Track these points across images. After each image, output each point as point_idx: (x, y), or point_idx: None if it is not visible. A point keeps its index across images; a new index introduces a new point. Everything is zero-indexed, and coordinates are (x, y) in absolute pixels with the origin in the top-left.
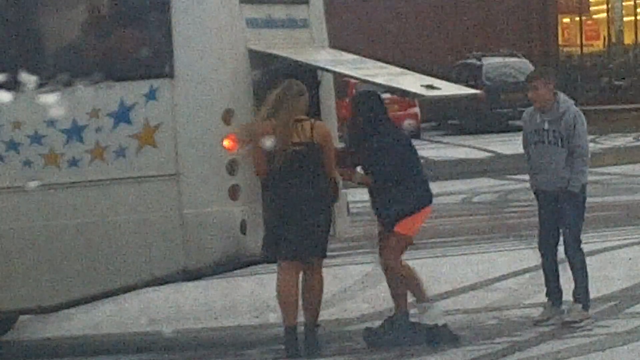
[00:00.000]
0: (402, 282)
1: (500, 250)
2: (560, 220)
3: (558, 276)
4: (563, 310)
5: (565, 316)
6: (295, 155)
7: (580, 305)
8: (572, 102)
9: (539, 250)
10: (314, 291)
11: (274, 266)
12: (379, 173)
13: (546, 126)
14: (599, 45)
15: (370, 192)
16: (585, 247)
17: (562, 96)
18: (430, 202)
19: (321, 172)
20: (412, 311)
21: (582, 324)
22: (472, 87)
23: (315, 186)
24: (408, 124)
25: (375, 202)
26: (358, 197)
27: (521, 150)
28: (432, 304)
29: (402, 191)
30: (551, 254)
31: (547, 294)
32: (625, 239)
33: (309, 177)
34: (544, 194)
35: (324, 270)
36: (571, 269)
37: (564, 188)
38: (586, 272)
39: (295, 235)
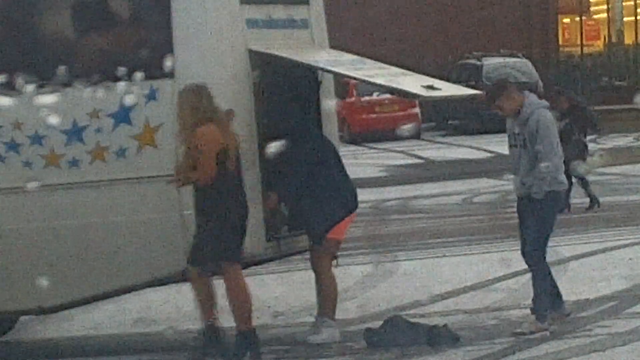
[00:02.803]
0: (321, 288)
1: (501, 250)
2: (523, 226)
3: (551, 277)
4: (567, 310)
5: (518, 327)
6: (236, 157)
7: (534, 317)
8: (541, 105)
9: (522, 256)
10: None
11: (274, 266)
12: (299, 180)
13: (516, 130)
14: (599, 45)
15: (293, 206)
16: (585, 247)
17: (529, 99)
18: (356, 206)
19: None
20: (412, 311)
21: (535, 335)
22: (472, 87)
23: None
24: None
25: (302, 217)
26: (358, 197)
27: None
28: (332, 325)
29: (326, 201)
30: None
31: (532, 306)
32: (625, 239)
33: (241, 179)
34: (518, 199)
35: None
36: (531, 277)
37: (529, 193)
38: (547, 284)
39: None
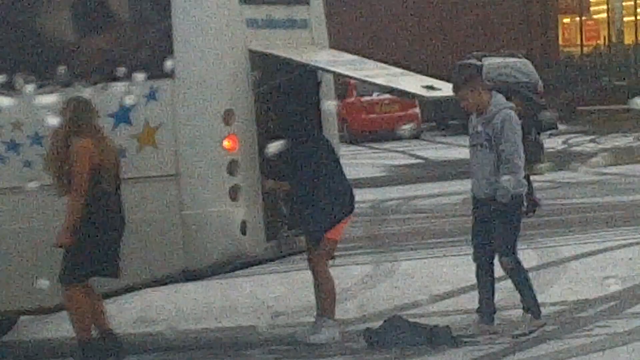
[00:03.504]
0: (319, 288)
1: None
2: (490, 232)
3: (492, 291)
4: (495, 326)
5: (515, 329)
6: (110, 170)
7: (529, 315)
8: (507, 105)
9: (473, 260)
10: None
11: (275, 266)
12: (299, 181)
13: (479, 128)
14: (599, 45)
15: (293, 206)
16: (585, 247)
17: (497, 98)
18: (354, 208)
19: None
20: (411, 311)
21: (534, 334)
22: None
23: (120, 202)
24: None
25: (300, 218)
26: (358, 197)
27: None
28: (332, 324)
29: (325, 202)
30: (485, 266)
31: (477, 309)
32: (625, 239)
33: (118, 192)
34: (476, 201)
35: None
36: (512, 282)
37: (492, 196)
38: (528, 282)
39: (114, 253)
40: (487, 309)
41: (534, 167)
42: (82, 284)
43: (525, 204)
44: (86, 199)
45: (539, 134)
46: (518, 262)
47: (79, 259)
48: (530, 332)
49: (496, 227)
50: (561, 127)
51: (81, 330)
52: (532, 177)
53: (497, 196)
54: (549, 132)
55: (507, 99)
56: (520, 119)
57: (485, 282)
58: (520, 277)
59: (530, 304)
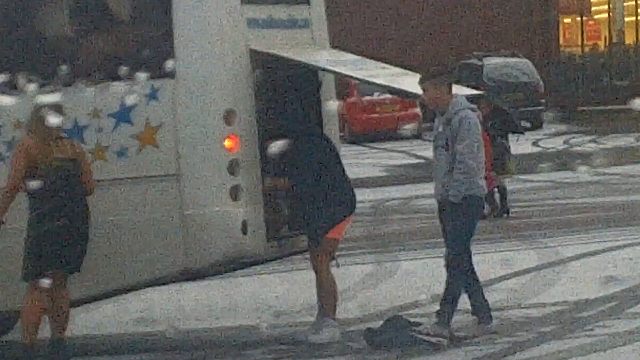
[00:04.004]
0: (320, 288)
1: (501, 251)
2: (444, 233)
3: (479, 290)
4: (492, 329)
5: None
6: (58, 169)
7: (476, 319)
8: (467, 106)
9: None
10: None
11: (275, 266)
12: (300, 180)
13: (440, 129)
14: (600, 45)
15: (294, 206)
16: (585, 247)
17: (457, 100)
18: (355, 208)
19: (82, 187)
20: (412, 311)
21: (441, 341)
22: (473, 87)
23: (81, 200)
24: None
25: (301, 218)
26: (359, 197)
27: (521, 150)
28: (333, 324)
29: (326, 202)
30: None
31: (472, 312)
32: (625, 239)
33: (75, 191)
34: (439, 203)
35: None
36: (447, 281)
37: (446, 197)
38: (458, 294)
39: (64, 248)
40: (481, 308)
41: (501, 171)
42: (47, 285)
43: (489, 207)
44: (32, 195)
45: (505, 138)
46: (464, 271)
47: (33, 254)
48: (438, 340)
49: (448, 229)
50: (561, 127)
51: (26, 331)
52: (509, 181)
53: (450, 196)
54: (517, 135)
55: (476, 103)
56: (487, 122)
57: (470, 283)
58: (457, 282)
59: (447, 310)
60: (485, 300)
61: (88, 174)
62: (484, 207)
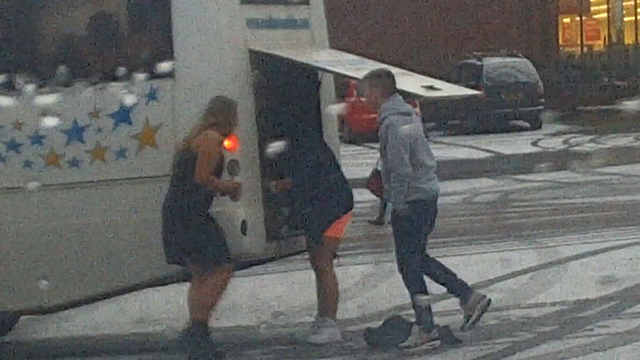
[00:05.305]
0: (322, 288)
1: (500, 250)
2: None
3: (451, 274)
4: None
5: (404, 340)
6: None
7: (417, 327)
8: (396, 111)
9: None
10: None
11: (275, 266)
12: (297, 180)
13: (379, 133)
14: (599, 45)
15: (293, 205)
16: (585, 247)
17: (386, 105)
18: (352, 206)
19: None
20: (411, 311)
21: (421, 347)
22: (473, 87)
23: None
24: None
25: (300, 218)
26: (359, 197)
27: (521, 150)
28: (333, 324)
29: (322, 201)
30: (427, 262)
31: (460, 303)
32: (625, 239)
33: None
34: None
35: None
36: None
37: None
38: (420, 293)
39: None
40: (457, 287)
41: None
42: (232, 269)
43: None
44: (197, 187)
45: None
46: (417, 276)
47: (214, 242)
48: (416, 345)
49: (395, 235)
50: (561, 126)
51: (203, 310)
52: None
53: (393, 204)
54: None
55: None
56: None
57: (439, 275)
58: (411, 289)
59: (420, 317)
60: (459, 280)
61: None
62: (434, 211)
